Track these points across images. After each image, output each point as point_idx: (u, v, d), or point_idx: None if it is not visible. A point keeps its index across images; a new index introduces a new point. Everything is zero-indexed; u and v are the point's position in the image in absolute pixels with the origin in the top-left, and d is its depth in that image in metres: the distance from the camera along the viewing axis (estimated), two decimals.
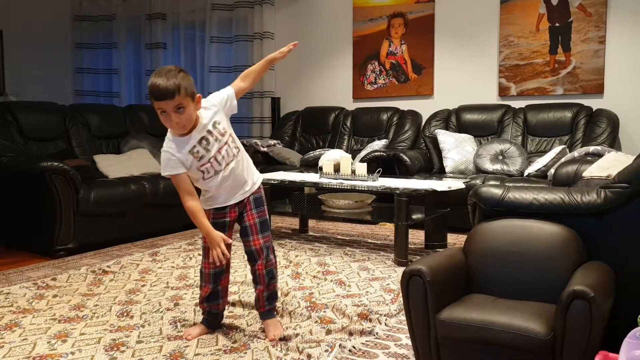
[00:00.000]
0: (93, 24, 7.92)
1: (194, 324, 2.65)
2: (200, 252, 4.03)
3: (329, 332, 2.56)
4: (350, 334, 2.55)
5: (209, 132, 2.31)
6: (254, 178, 2.52)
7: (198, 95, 2.27)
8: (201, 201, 2.43)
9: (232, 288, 3.19)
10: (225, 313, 2.72)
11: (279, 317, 2.70)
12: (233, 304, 2.91)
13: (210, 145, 2.32)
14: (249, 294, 3.06)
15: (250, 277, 3.28)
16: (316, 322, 2.69)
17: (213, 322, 2.60)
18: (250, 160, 2.54)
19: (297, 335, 2.50)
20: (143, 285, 3.29)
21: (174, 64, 7.74)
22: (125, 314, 2.80)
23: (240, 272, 3.51)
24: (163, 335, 2.54)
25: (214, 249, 2.33)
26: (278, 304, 2.77)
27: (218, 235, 2.33)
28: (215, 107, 2.37)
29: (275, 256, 2.58)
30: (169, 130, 2.32)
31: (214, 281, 2.52)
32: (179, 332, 2.57)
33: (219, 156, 2.34)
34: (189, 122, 2.25)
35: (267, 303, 2.56)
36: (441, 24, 5.86)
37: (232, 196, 2.45)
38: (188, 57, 7.40)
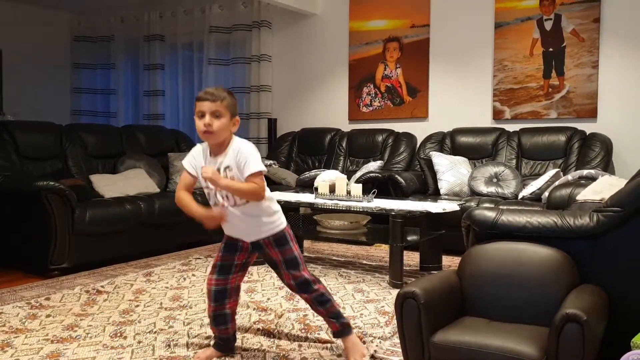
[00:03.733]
0: (91, 45, 7.99)
1: (201, 347, 2.63)
2: (194, 274, 4.03)
3: (320, 356, 2.55)
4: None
5: (218, 170, 2.35)
6: (272, 225, 2.47)
7: (237, 118, 2.39)
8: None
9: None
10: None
11: (276, 340, 2.70)
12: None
13: None
14: (242, 316, 3.05)
15: (244, 298, 3.26)
16: (314, 342, 2.68)
17: (225, 346, 2.57)
18: (274, 209, 2.48)
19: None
20: (137, 306, 3.28)
21: (172, 86, 7.82)
22: (118, 334, 2.79)
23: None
24: (156, 356, 2.53)
25: (211, 220, 2.34)
26: (273, 326, 2.76)
27: (208, 210, 2.33)
28: (235, 158, 2.36)
29: (319, 283, 2.54)
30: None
31: (216, 300, 2.50)
32: (171, 353, 2.56)
33: (219, 193, 2.38)
34: (219, 133, 2.32)
35: (336, 322, 2.55)
36: (436, 48, 5.93)
37: (238, 232, 2.46)
38: (186, 79, 7.46)
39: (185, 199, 2.40)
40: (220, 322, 2.53)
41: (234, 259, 2.50)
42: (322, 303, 2.53)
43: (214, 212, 2.35)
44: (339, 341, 2.70)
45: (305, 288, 2.49)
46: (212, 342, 2.61)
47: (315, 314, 3.06)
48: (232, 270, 2.50)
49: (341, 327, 2.55)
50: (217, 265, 2.51)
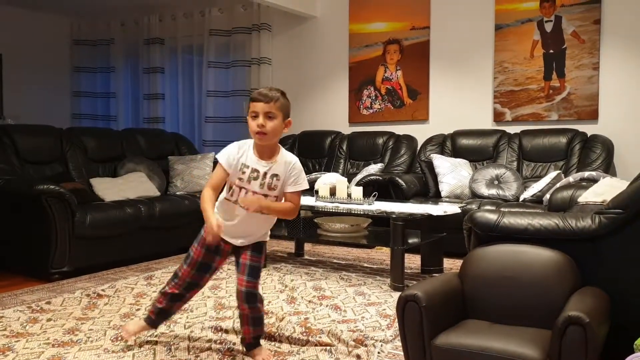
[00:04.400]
0: (91, 48, 7.99)
1: (202, 350, 2.62)
2: None
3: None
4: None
5: (265, 174, 2.40)
6: (262, 236, 2.55)
7: (289, 120, 2.43)
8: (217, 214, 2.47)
9: (226, 313, 3.18)
10: (217, 337, 2.70)
11: (277, 344, 2.70)
12: (226, 331, 2.89)
13: (255, 180, 2.40)
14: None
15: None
16: (314, 346, 2.67)
17: (156, 322, 2.66)
18: (271, 225, 2.57)
19: None
20: (138, 309, 3.27)
21: (172, 89, 7.82)
22: (119, 338, 2.78)
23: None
24: (157, 359, 2.53)
25: (208, 234, 2.34)
26: (274, 329, 2.76)
27: (214, 223, 2.30)
28: (287, 170, 2.43)
29: (263, 305, 2.56)
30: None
31: (187, 289, 2.57)
32: (172, 357, 2.55)
33: (251, 196, 2.40)
34: (272, 134, 2.36)
35: (253, 339, 2.57)
36: (436, 50, 5.93)
37: (237, 234, 2.48)
38: (186, 82, 7.45)
39: (206, 201, 2.37)
40: (176, 300, 2.59)
41: (213, 261, 2.54)
42: (256, 323, 2.54)
43: (216, 229, 2.30)
44: (339, 345, 2.69)
45: (251, 300, 2.48)
46: (144, 316, 2.70)
47: (314, 320, 3.05)
48: (209, 270, 2.56)
49: (254, 342, 2.58)
50: (197, 262, 2.52)
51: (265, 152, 2.42)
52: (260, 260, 2.53)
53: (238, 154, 2.42)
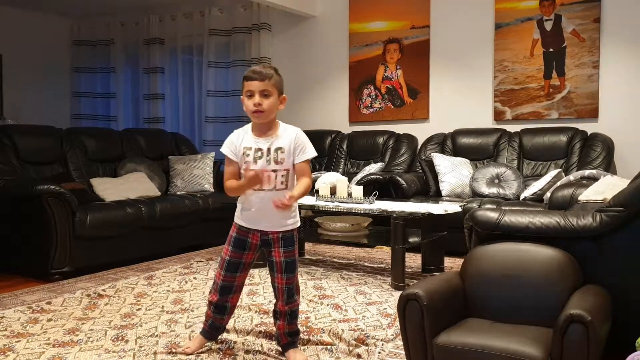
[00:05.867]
0: (91, 49, 7.99)
1: (202, 351, 2.61)
2: (196, 277, 4.02)
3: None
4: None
5: (269, 150, 2.40)
6: (290, 221, 2.49)
7: (284, 96, 2.44)
8: (238, 207, 2.50)
9: None
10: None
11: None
12: (227, 330, 2.88)
13: (260, 159, 2.40)
14: (244, 319, 3.05)
15: (245, 301, 3.26)
16: (315, 345, 2.67)
17: (212, 334, 2.63)
18: (296, 207, 2.53)
19: None
20: (138, 309, 3.27)
21: (172, 89, 7.80)
22: (120, 338, 2.78)
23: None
24: (157, 359, 2.52)
25: (250, 185, 2.36)
26: (274, 328, 2.75)
27: (245, 178, 2.34)
28: (292, 142, 2.41)
29: (299, 296, 2.56)
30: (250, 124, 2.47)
31: (221, 294, 2.54)
32: (173, 357, 2.55)
33: (261, 175, 2.38)
34: (269, 112, 2.37)
35: (288, 337, 2.56)
36: (436, 49, 5.92)
37: (259, 219, 2.45)
38: (186, 82, 7.45)
39: (232, 185, 2.42)
40: (220, 312, 2.57)
41: (242, 257, 2.51)
42: (294, 317, 2.54)
43: (251, 176, 2.32)
44: (340, 344, 2.69)
45: (291, 296, 2.48)
46: (200, 330, 2.66)
47: (315, 319, 3.05)
48: (240, 268, 2.53)
49: (292, 341, 2.57)
50: (225, 261, 2.51)
51: (264, 130, 2.43)
52: (294, 253, 2.49)
53: (237, 140, 2.45)
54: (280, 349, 2.60)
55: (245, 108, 2.41)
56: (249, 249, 2.50)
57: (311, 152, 2.44)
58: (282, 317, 2.52)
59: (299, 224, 2.53)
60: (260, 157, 2.40)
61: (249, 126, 2.48)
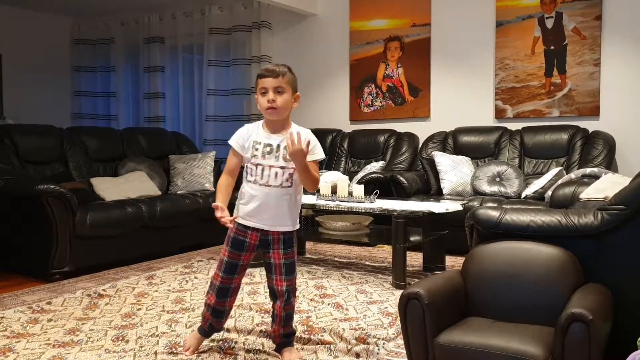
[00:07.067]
0: (92, 48, 7.99)
1: (204, 351, 2.61)
2: (196, 276, 4.01)
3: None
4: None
5: (278, 146, 2.40)
6: (291, 222, 2.49)
7: (298, 94, 2.46)
8: (238, 203, 2.50)
9: None
10: (218, 336, 2.69)
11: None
12: (228, 330, 2.87)
13: (269, 154, 2.41)
14: (245, 318, 3.04)
15: (246, 301, 3.25)
16: (317, 344, 2.66)
17: (209, 332, 2.63)
18: (299, 209, 2.54)
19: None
20: (139, 309, 3.26)
21: (172, 88, 7.80)
22: (120, 338, 2.77)
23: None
24: (158, 359, 2.51)
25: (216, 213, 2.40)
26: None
27: (215, 209, 2.39)
28: (302, 141, 2.38)
29: (295, 297, 2.56)
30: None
31: (219, 296, 2.52)
32: (174, 357, 2.54)
33: (268, 170, 2.39)
34: (282, 109, 2.38)
35: (283, 338, 2.56)
36: (437, 47, 5.91)
37: (260, 214, 2.43)
38: (186, 81, 7.44)
39: (219, 188, 2.46)
40: (218, 316, 2.56)
41: (240, 258, 2.49)
42: (290, 319, 2.54)
43: (222, 218, 2.37)
44: (341, 344, 2.68)
45: (288, 297, 2.48)
46: (197, 327, 2.67)
47: (316, 319, 3.04)
48: (237, 269, 2.51)
49: (286, 341, 2.57)
50: (224, 262, 2.50)
51: (277, 127, 2.43)
52: (294, 255, 2.50)
53: (247, 134, 2.45)
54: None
55: (259, 106, 2.41)
56: (247, 250, 2.48)
57: (320, 154, 2.45)
58: (278, 320, 2.52)
59: (298, 226, 2.53)
60: (269, 153, 2.41)
61: (260, 122, 2.49)
